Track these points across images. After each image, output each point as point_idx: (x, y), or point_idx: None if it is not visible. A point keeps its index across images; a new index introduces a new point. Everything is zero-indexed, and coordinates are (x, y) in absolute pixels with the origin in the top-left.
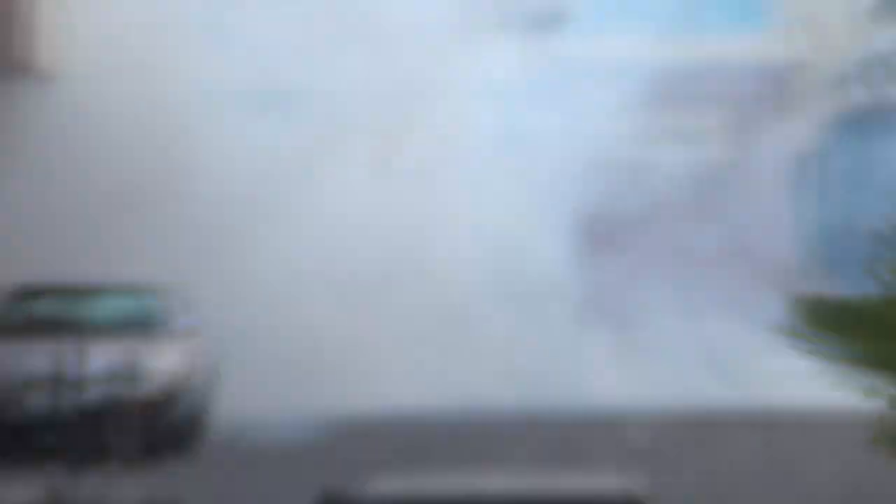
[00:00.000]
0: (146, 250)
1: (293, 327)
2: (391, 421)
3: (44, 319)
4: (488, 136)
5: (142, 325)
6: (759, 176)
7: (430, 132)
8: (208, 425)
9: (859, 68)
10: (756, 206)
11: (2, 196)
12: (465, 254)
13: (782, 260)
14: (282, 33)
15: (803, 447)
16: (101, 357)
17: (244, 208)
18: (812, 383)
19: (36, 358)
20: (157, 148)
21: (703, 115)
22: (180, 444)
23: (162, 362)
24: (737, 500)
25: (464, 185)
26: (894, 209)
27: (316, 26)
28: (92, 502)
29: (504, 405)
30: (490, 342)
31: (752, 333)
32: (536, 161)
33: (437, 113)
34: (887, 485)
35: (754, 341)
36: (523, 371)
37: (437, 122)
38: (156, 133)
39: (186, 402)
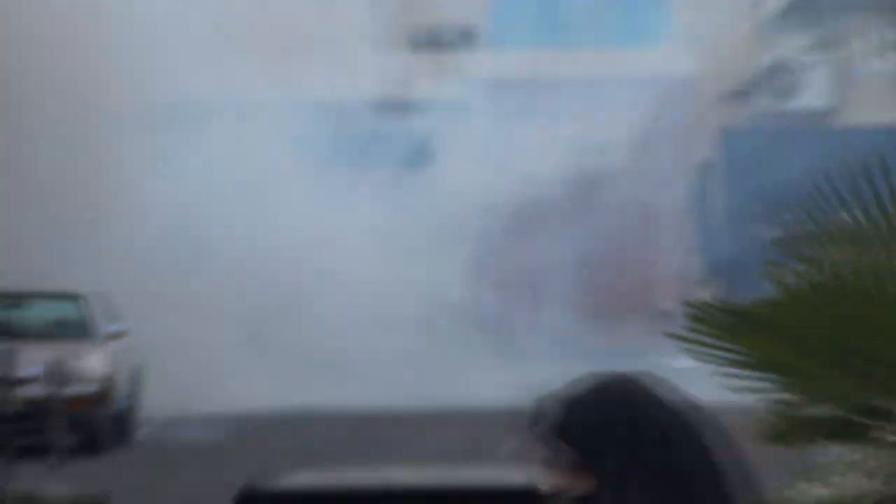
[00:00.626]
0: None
1: (204, 334)
2: (299, 418)
3: None
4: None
5: (70, 330)
6: (664, 184)
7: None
8: (136, 422)
9: (757, 81)
10: (654, 216)
11: None
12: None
13: (678, 266)
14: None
15: None
16: (32, 359)
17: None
18: (702, 382)
19: None
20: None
21: (605, 126)
22: (110, 440)
23: (89, 364)
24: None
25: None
26: (787, 215)
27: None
28: (24, 498)
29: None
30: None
31: (649, 336)
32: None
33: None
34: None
35: (647, 343)
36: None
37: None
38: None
39: (114, 401)
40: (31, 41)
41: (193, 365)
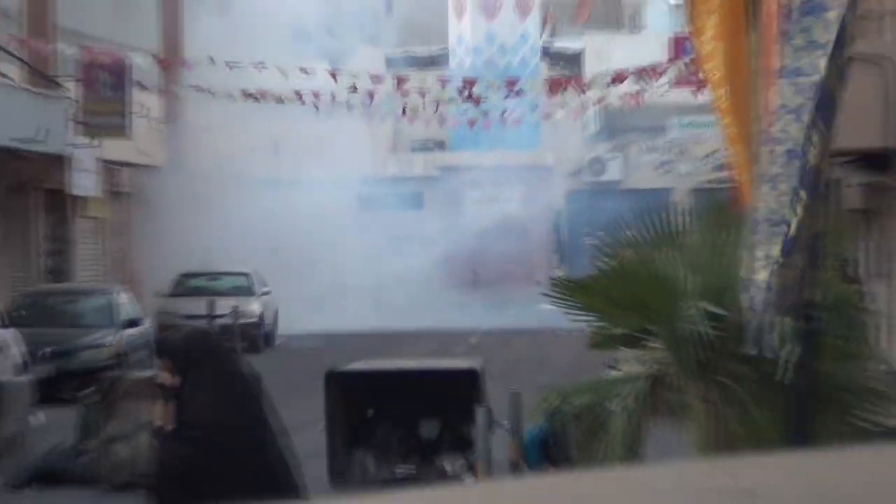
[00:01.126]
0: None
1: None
2: (356, 336)
3: (197, 288)
4: None
5: (242, 291)
6: (537, 219)
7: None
8: (274, 337)
9: (584, 167)
10: (536, 235)
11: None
12: None
13: (546, 259)
14: None
15: (555, 351)
16: (223, 305)
17: None
18: (558, 318)
19: (196, 306)
20: None
21: (508, 187)
22: (262, 345)
23: (252, 308)
24: (520, 373)
25: None
26: (605, 234)
27: None
28: None
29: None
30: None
31: (531, 294)
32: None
33: None
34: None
35: (529, 298)
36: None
37: None
38: None
39: (263, 326)
40: None
41: (301, 307)
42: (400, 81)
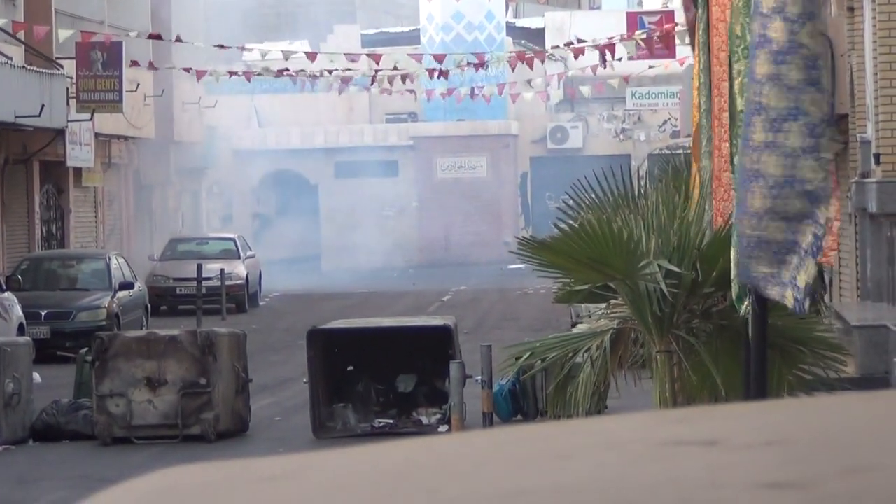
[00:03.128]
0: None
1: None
2: (339, 295)
3: (186, 252)
4: None
5: (229, 254)
6: (505, 185)
7: None
8: (259, 297)
9: (547, 135)
10: (504, 199)
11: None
12: None
13: (513, 221)
14: None
15: (522, 308)
16: (211, 268)
17: None
18: (528, 276)
19: (185, 269)
20: None
21: (477, 155)
22: (247, 305)
23: (238, 270)
24: (490, 329)
25: None
26: (568, 197)
27: None
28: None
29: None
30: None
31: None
32: None
33: None
34: (560, 320)
35: (499, 257)
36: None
37: None
38: None
39: (248, 287)
40: None
41: (281, 269)
42: (375, 60)
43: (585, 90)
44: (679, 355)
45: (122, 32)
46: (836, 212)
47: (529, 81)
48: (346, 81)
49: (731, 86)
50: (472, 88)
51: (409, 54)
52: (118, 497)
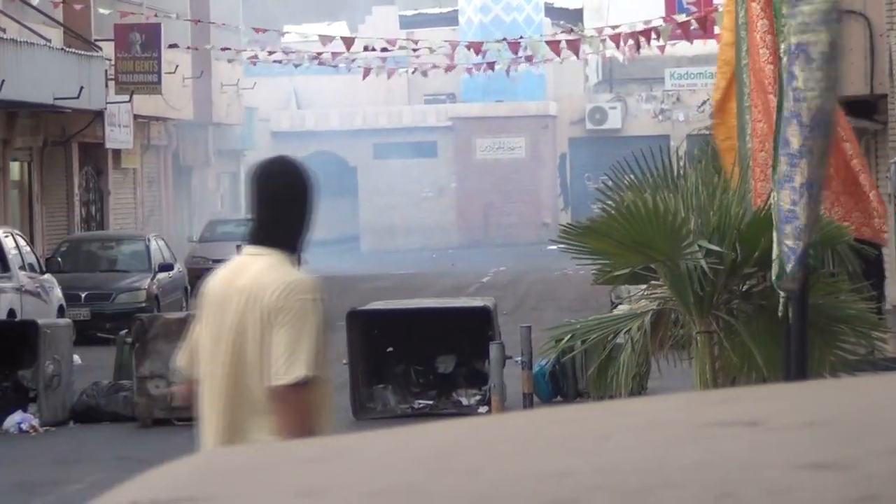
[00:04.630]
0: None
1: None
2: (375, 277)
3: (225, 234)
4: None
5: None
6: (543, 165)
7: None
8: None
9: (586, 116)
10: (543, 180)
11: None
12: None
13: (552, 203)
14: None
15: (563, 284)
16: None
17: None
18: (566, 261)
19: (225, 251)
20: None
21: (516, 136)
22: None
23: None
24: (530, 310)
25: None
26: (608, 178)
27: None
28: None
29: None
30: None
31: (538, 235)
32: None
33: None
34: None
35: (538, 238)
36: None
37: None
38: None
39: None
40: None
41: (320, 251)
42: (414, 41)
43: (624, 71)
44: (719, 336)
45: (161, 14)
46: (878, 197)
47: (562, 60)
48: (390, 72)
49: (781, 67)
50: (509, 67)
51: (446, 40)
52: (159, 479)
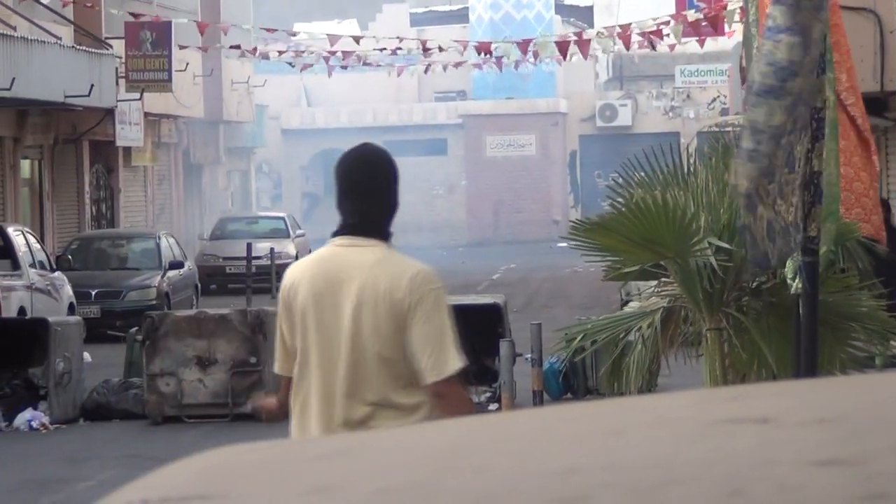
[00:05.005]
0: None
1: None
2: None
3: (236, 231)
4: None
5: (278, 233)
6: (553, 163)
7: None
8: None
9: (595, 113)
10: (553, 177)
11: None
12: None
13: (562, 200)
14: None
15: (573, 281)
16: (261, 248)
17: None
18: (575, 258)
19: (235, 248)
20: None
21: (526, 133)
22: None
23: (287, 249)
24: (538, 304)
25: None
26: (618, 176)
27: None
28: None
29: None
30: None
31: (547, 233)
32: None
33: None
34: (605, 294)
35: (547, 235)
36: None
37: None
38: None
39: None
40: None
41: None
42: (423, 41)
43: (634, 68)
44: (729, 333)
45: (171, 12)
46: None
47: (573, 56)
48: (399, 70)
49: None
50: (518, 63)
51: (455, 40)
52: (170, 476)
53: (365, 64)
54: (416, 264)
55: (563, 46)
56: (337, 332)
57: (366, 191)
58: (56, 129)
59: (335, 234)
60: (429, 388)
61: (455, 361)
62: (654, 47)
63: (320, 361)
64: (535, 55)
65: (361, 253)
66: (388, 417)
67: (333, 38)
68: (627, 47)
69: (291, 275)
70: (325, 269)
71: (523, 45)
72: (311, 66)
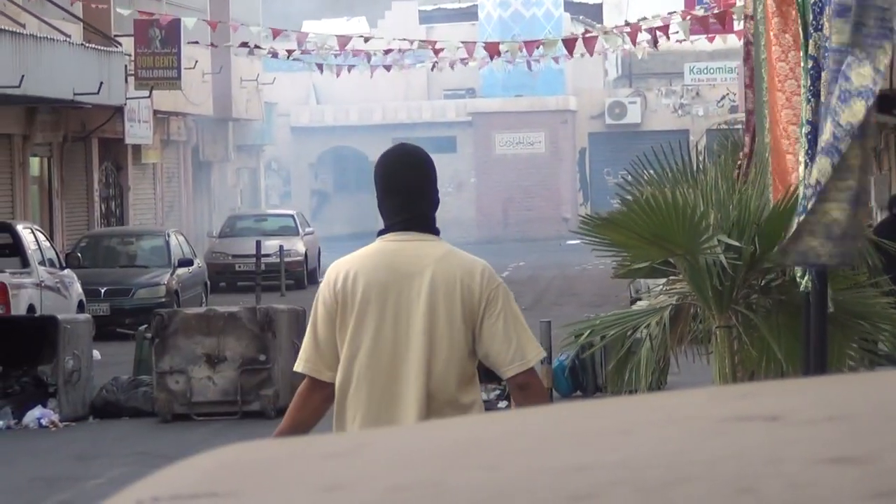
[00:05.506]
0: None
1: None
2: None
3: (245, 229)
4: None
5: (288, 231)
6: (563, 160)
7: None
8: (319, 273)
9: (605, 110)
10: (562, 175)
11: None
12: None
13: (571, 196)
14: None
15: (583, 279)
16: (270, 245)
17: None
18: (584, 253)
19: (244, 246)
20: None
21: (535, 130)
22: (306, 281)
23: (297, 247)
24: (547, 302)
25: None
26: (627, 173)
27: None
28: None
29: None
30: None
31: (557, 230)
32: None
33: None
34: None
35: (557, 232)
36: None
37: None
38: None
39: (307, 264)
40: None
41: (340, 246)
42: (431, 42)
43: (643, 66)
44: (738, 330)
45: (181, 10)
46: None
47: (582, 55)
48: (406, 67)
49: (806, 52)
50: (528, 61)
51: (463, 41)
52: (179, 474)
53: (374, 67)
54: (479, 259)
55: (569, 45)
56: (407, 326)
57: (415, 189)
58: (65, 127)
59: (385, 231)
60: (511, 380)
61: (536, 351)
62: (656, 43)
63: (379, 354)
64: (541, 45)
65: (425, 247)
66: (450, 416)
67: (342, 40)
68: (634, 42)
69: (341, 269)
70: (388, 262)
71: (530, 46)
72: (322, 65)
